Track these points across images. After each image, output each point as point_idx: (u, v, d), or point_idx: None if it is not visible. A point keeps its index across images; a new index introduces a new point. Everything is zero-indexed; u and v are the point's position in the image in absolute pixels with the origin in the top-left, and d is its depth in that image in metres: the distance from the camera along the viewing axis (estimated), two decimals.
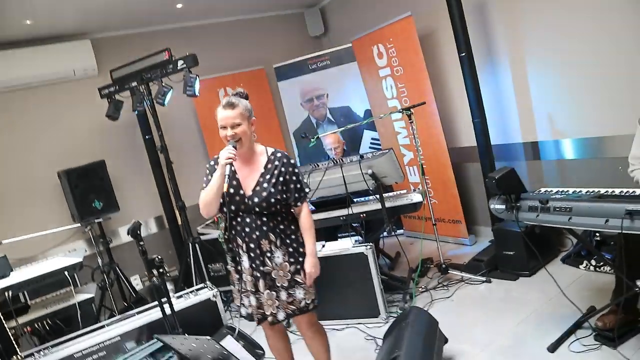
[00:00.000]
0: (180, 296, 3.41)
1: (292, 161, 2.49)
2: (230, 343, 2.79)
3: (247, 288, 2.43)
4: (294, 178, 2.44)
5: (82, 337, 3.06)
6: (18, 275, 3.28)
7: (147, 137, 4.59)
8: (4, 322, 2.88)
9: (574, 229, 2.53)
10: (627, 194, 2.30)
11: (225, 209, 2.40)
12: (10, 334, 2.93)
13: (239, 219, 2.41)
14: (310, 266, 2.44)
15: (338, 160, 3.63)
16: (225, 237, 2.51)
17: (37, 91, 4.47)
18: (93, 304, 3.72)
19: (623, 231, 2.14)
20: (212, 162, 2.51)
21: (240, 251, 2.42)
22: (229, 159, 2.29)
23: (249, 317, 2.50)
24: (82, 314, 3.39)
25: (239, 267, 2.47)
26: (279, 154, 2.47)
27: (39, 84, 4.44)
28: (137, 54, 4.16)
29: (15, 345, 2.92)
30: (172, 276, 4.64)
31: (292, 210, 2.51)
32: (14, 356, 2.81)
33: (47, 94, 4.52)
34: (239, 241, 2.41)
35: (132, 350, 3.13)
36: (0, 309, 3.15)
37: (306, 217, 2.50)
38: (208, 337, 1.78)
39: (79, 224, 4.27)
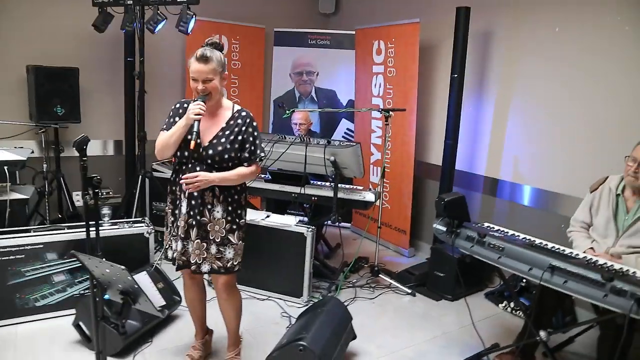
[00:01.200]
0: (115, 223, 3.39)
1: (255, 123, 2.48)
2: (144, 280, 2.80)
3: (177, 233, 2.44)
4: (251, 139, 2.44)
5: (4, 235, 3.02)
6: None
7: (128, 59, 4.48)
8: None
9: (501, 269, 2.63)
10: (556, 250, 2.42)
11: (178, 153, 2.40)
12: None
13: (190, 166, 2.41)
14: (200, 176, 2.30)
15: (305, 139, 3.65)
16: (171, 179, 2.51)
17: None
18: (26, 206, 3.65)
19: (541, 282, 2.25)
20: (177, 105, 2.50)
21: (182, 196, 2.42)
22: (199, 115, 2.28)
23: (174, 261, 2.52)
24: (11, 212, 3.32)
25: (176, 211, 2.48)
26: (243, 113, 2.47)
27: None
28: None
29: None
30: (114, 203, 4.58)
31: None
32: None
33: None
34: (184, 186, 2.41)
35: (51, 261, 3.11)
36: None
37: (247, 168, 2.43)
38: (122, 267, 1.79)
39: (34, 124, 4.16)
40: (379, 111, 4.11)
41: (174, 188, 2.49)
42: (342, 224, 4.42)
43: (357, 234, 5.34)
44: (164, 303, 3.00)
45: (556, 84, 3.70)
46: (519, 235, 2.64)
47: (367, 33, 4.99)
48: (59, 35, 4.47)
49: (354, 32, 5.22)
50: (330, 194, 3.63)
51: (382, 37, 4.80)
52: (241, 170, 2.43)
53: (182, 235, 2.42)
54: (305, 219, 3.84)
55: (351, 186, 3.96)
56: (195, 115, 2.28)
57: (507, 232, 2.69)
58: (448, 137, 4.14)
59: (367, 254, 4.46)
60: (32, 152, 4.01)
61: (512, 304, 3.68)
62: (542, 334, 2.49)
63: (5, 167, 3.23)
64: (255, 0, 5.57)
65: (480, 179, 4.36)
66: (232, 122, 2.44)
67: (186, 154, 2.39)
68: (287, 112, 3.67)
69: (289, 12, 5.83)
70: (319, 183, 3.92)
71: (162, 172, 4.53)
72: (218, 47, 2.41)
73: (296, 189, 3.71)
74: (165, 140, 2.38)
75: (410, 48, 4.47)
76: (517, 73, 4.00)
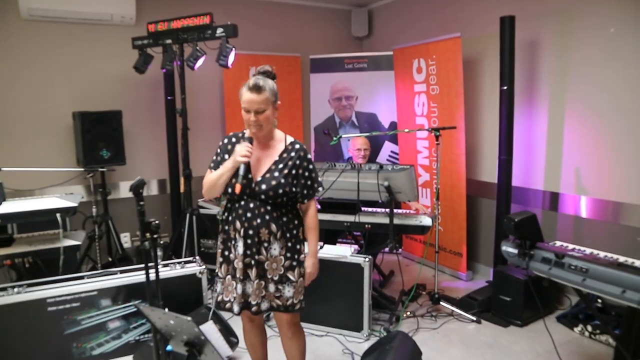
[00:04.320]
0: (167, 265, 3.32)
1: (309, 156, 2.37)
2: (209, 328, 2.69)
3: (236, 275, 2.31)
4: (307, 174, 2.34)
5: (59, 283, 2.99)
6: (10, 206, 3.20)
7: (169, 97, 4.51)
8: None
9: (583, 292, 2.41)
10: None
11: (229, 190, 2.29)
12: None
13: (242, 203, 2.29)
14: (310, 266, 2.38)
15: (356, 165, 3.52)
16: (223, 218, 2.39)
17: (72, 28, 4.38)
18: (78, 252, 3.63)
19: None
20: (225, 141, 2.40)
21: (237, 236, 2.29)
22: (245, 156, 2.18)
23: (219, 305, 2.38)
24: (65, 259, 3.29)
25: (227, 252, 2.35)
26: (297, 145, 2.35)
27: (75, 21, 4.35)
28: (177, 12, 4.06)
29: None
30: (163, 243, 4.54)
31: (298, 205, 2.41)
32: None
33: (81, 33, 4.42)
34: (238, 225, 2.29)
35: (106, 308, 3.05)
36: None
37: (312, 216, 2.41)
38: (189, 318, 1.67)
39: (82, 169, 4.18)
40: (428, 131, 3.95)
41: (226, 228, 2.36)
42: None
43: (409, 259, 5.14)
44: (231, 353, 2.87)
45: (615, 87, 3.48)
46: (599, 253, 2.42)
47: (406, 52, 4.88)
48: (101, 80, 4.55)
49: (391, 53, 5.12)
50: (385, 220, 3.47)
51: (422, 55, 4.67)
52: (311, 222, 2.41)
53: (241, 277, 2.29)
54: (358, 248, 3.69)
55: (405, 211, 3.79)
56: (242, 157, 2.18)
57: (585, 251, 2.47)
58: (502, 153, 3.94)
59: (424, 280, 4.25)
60: (83, 197, 4.01)
61: (589, 327, 3.40)
62: None
63: (58, 215, 3.22)
64: (288, 30, 5.57)
65: (539, 194, 4.13)
66: (285, 156, 2.32)
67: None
68: (335, 138, 3.55)
69: (322, 38, 5.81)
70: (370, 210, 3.78)
71: (209, 209, 4.47)
72: (270, 75, 2.32)
73: (349, 218, 3.57)
74: (212, 180, 2.29)
75: (452, 64, 4.33)
76: (570, 80, 3.79)
